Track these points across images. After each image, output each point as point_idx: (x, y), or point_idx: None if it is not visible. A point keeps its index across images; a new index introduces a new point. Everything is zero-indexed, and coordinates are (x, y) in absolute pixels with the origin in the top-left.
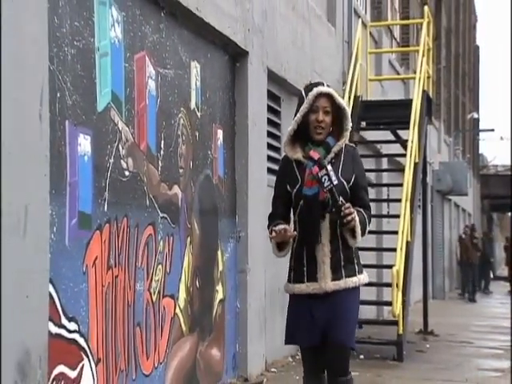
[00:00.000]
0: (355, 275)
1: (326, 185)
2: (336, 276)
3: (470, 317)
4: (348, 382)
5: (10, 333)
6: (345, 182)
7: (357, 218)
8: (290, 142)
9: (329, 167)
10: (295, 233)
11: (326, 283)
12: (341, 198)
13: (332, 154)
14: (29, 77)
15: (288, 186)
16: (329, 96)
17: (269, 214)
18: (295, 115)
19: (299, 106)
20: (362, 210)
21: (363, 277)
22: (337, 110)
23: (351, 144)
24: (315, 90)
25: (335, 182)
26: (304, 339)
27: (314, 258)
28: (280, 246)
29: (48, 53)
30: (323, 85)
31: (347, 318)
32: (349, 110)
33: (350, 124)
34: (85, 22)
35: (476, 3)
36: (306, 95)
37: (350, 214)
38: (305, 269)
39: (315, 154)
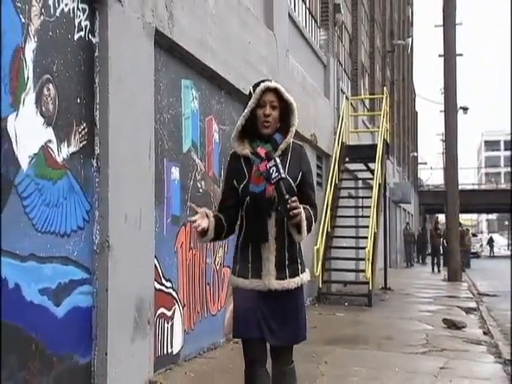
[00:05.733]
0: (298, 275)
1: (273, 176)
2: (280, 275)
3: (412, 278)
4: (292, 370)
5: (133, 288)
6: (291, 180)
7: (303, 214)
8: (238, 137)
9: (277, 159)
10: (201, 226)
11: (270, 281)
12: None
13: (279, 152)
14: (143, 132)
15: (235, 182)
16: (276, 91)
17: (217, 210)
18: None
19: (248, 99)
20: (308, 207)
21: (306, 275)
22: (284, 106)
23: (298, 142)
24: (262, 85)
25: (283, 175)
26: (251, 333)
27: (259, 255)
28: (201, 233)
29: (154, 117)
30: (270, 81)
31: (295, 313)
32: (295, 106)
33: (297, 120)
34: (176, 98)
35: (415, 85)
36: (254, 91)
37: (297, 207)
38: (249, 265)
39: (262, 151)
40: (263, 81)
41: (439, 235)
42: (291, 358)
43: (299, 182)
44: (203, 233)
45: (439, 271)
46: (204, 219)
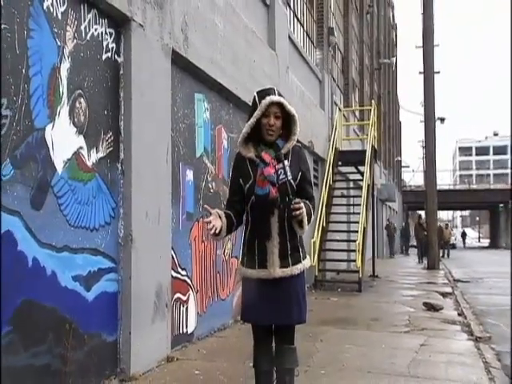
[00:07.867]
0: (300, 262)
1: (281, 177)
2: (284, 264)
3: (396, 267)
4: (292, 350)
5: (153, 276)
6: (292, 181)
7: (304, 212)
8: (243, 142)
9: (286, 163)
10: (216, 228)
11: (275, 270)
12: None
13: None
14: (161, 140)
15: (241, 181)
16: (279, 104)
17: (226, 205)
18: (249, 118)
19: (253, 107)
20: (307, 201)
21: (307, 261)
22: (287, 116)
23: (297, 144)
24: (268, 99)
25: (289, 177)
26: (260, 318)
27: (264, 248)
28: (215, 233)
29: (171, 127)
30: (274, 93)
31: (297, 299)
32: (297, 117)
33: (298, 129)
34: (190, 110)
35: (399, 98)
36: (259, 101)
37: (300, 209)
38: (256, 257)
39: (267, 156)
40: (268, 90)
41: (423, 228)
42: (293, 339)
43: (299, 179)
44: (217, 233)
45: (422, 261)
46: (217, 220)
